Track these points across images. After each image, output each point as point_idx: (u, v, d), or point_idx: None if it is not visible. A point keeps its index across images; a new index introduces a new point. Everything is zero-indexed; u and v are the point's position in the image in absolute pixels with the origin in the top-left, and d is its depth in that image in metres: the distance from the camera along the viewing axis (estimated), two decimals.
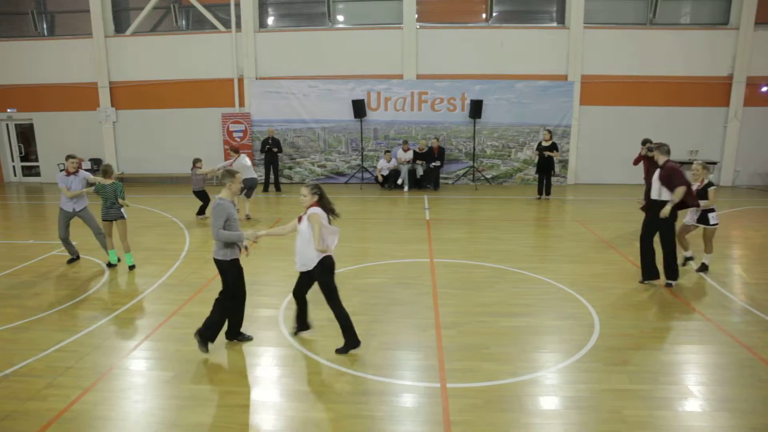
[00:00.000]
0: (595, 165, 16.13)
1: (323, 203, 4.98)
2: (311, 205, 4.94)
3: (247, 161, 11.48)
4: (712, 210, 7.26)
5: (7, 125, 17.79)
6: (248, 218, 11.19)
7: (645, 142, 10.38)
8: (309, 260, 4.92)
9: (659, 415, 4.01)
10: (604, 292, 6.69)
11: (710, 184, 7.22)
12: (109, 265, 7.91)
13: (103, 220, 7.71)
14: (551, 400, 4.27)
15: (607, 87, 15.74)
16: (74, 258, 8.17)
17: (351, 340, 5.05)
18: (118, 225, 7.71)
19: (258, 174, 16.52)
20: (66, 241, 8.00)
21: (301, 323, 5.43)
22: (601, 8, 15.67)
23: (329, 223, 4.98)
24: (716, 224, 7.30)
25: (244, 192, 11.11)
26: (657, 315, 6.01)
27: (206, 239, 9.66)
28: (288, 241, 9.22)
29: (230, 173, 5.16)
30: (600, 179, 16.15)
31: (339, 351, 5.03)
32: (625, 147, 15.81)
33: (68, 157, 7.89)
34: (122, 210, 7.71)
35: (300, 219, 4.99)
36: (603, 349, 5.09)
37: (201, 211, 11.34)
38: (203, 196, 11.29)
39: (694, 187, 7.24)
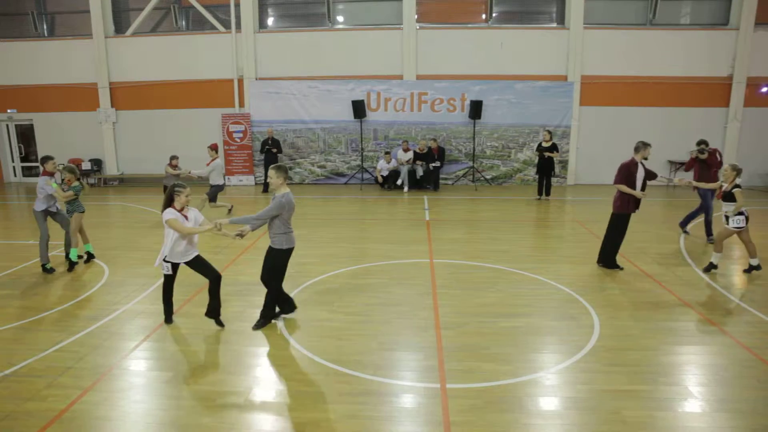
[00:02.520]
0: (595, 165, 16.14)
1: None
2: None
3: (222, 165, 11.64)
4: (741, 213, 7.21)
5: (7, 126, 17.80)
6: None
7: (699, 143, 9.52)
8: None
9: (659, 416, 4.01)
10: (603, 293, 6.69)
11: (737, 186, 7.19)
12: (90, 257, 8.21)
13: (80, 212, 7.95)
14: (551, 401, 4.27)
15: (607, 87, 15.75)
16: (47, 267, 7.70)
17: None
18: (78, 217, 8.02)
19: (257, 175, 16.66)
20: (47, 242, 7.75)
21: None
22: (601, 8, 15.68)
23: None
24: (738, 227, 7.22)
25: (209, 200, 11.20)
26: (657, 315, 6.00)
27: (206, 240, 9.65)
28: None
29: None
30: (600, 180, 16.16)
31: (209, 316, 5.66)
32: (624, 147, 15.73)
33: (50, 158, 7.77)
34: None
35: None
36: (603, 350, 5.09)
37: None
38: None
39: (723, 187, 7.30)
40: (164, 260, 5.46)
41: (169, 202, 5.40)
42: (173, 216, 5.32)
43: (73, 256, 7.88)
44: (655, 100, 15.68)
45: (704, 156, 9.19)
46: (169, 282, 5.63)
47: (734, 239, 7.75)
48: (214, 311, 5.65)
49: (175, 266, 5.50)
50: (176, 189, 5.38)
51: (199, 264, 5.63)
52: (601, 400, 4.22)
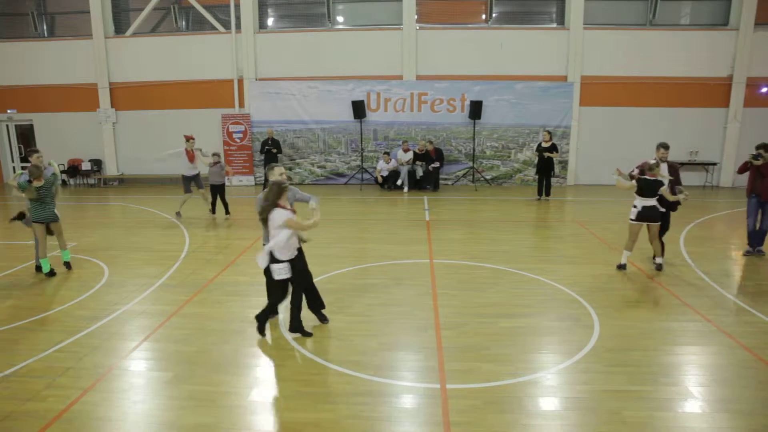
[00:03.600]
0: (595, 166, 16.14)
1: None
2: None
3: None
4: (635, 206, 7.43)
5: (7, 126, 17.80)
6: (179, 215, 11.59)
7: (758, 147, 8.30)
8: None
9: (659, 416, 4.01)
10: (603, 293, 6.69)
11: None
12: (49, 273, 7.46)
13: (35, 221, 7.28)
14: (551, 401, 4.27)
15: (606, 88, 15.76)
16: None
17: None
18: (54, 226, 7.47)
19: (257, 175, 16.66)
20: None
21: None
22: (601, 9, 15.69)
23: None
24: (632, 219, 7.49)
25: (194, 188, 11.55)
26: (657, 316, 6.00)
27: (206, 240, 9.67)
28: None
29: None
30: (600, 180, 16.16)
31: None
32: (624, 148, 15.86)
33: (34, 151, 7.52)
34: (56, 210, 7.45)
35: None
36: (603, 350, 5.09)
37: (226, 210, 11.47)
38: (222, 192, 11.38)
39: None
40: (278, 262, 5.10)
41: (275, 201, 5.04)
42: (290, 216, 5.03)
43: (43, 267, 7.41)
44: (655, 100, 15.68)
45: (758, 162, 8.18)
46: (285, 286, 5.30)
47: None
48: (295, 323, 5.38)
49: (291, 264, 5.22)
50: (284, 186, 5.11)
51: (301, 259, 5.36)
52: (601, 401, 4.22)
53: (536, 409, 4.14)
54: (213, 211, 11.51)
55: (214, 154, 11.37)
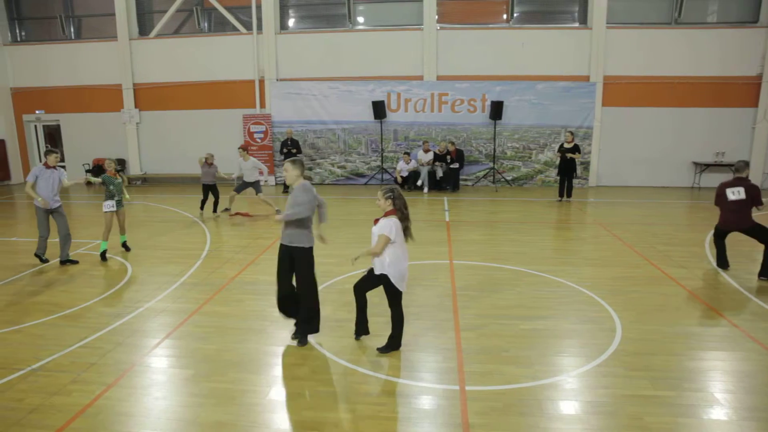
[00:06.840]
0: (618, 167, 15.90)
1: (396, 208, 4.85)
2: (388, 212, 4.87)
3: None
4: None
5: (35, 126, 18.27)
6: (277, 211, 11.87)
7: None
8: (380, 264, 4.98)
9: (683, 423, 3.92)
10: (626, 296, 6.58)
11: None
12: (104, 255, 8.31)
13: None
14: (571, 405, 4.21)
15: (630, 88, 15.50)
16: (40, 257, 8.12)
17: (395, 343, 5.10)
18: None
19: (278, 175, 16.78)
20: (46, 239, 8.07)
21: (362, 327, 5.37)
22: (624, 8, 15.44)
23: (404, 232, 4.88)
24: None
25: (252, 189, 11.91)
26: (681, 320, 5.88)
27: (227, 239, 9.77)
28: None
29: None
30: (622, 182, 15.92)
31: (380, 350, 5.09)
32: (648, 149, 15.60)
33: (50, 151, 8.03)
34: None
35: (376, 221, 4.93)
36: (625, 354, 5.01)
37: (214, 209, 11.95)
38: (213, 191, 11.81)
39: None
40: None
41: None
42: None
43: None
44: (681, 100, 15.37)
45: None
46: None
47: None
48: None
49: None
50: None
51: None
52: (622, 405, 4.15)
53: (556, 413, 4.09)
54: (202, 208, 11.86)
55: (208, 156, 11.69)
